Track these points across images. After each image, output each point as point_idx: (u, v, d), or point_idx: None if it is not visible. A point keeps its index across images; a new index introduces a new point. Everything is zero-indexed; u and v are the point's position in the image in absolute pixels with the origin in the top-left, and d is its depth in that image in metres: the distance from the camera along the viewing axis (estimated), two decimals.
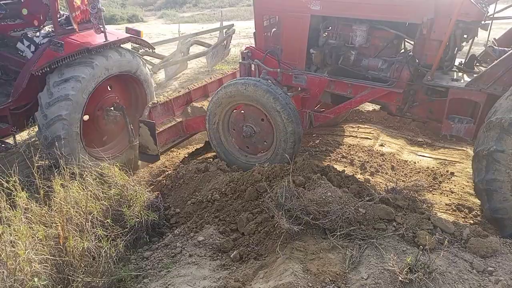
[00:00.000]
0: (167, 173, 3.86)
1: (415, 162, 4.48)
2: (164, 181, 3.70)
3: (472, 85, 2.97)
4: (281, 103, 3.43)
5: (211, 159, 4.17)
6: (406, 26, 3.35)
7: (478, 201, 3.72)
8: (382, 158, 4.52)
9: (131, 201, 2.96)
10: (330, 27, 3.75)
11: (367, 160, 4.44)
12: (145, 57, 5.47)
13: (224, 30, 7.43)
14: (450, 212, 3.64)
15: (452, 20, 2.89)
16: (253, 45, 4.22)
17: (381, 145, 4.84)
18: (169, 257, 2.69)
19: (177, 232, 2.95)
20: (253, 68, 4.07)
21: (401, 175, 4.27)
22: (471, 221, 3.50)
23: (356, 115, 5.53)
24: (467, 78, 3.23)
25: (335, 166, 4.09)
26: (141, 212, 2.90)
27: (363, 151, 4.64)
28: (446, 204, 3.72)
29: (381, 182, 4.04)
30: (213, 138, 4.01)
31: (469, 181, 4.09)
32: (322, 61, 3.74)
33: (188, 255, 2.65)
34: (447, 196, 3.85)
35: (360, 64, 3.64)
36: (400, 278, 2.07)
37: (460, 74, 3.41)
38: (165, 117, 4.50)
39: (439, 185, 4.04)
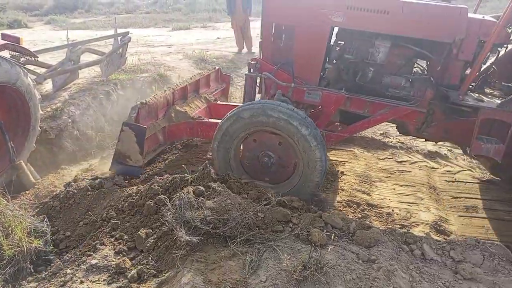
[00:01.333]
0: (55, 193, 3.51)
1: None
2: (52, 202, 3.36)
3: (505, 106, 2.97)
4: (308, 127, 3.08)
5: (107, 175, 3.92)
6: (431, 45, 3.21)
7: (365, 197, 4.12)
8: None
9: (9, 228, 2.63)
10: (345, 41, 3.49)
11: None
12: (28, 66, 4.94)
13: (119, 38, 7.08)
14: (341, 209, 3.94)
15: (490, 42, 2.85)
16: (254, 56, 4.05)
17: None
18: (57, 286, 2.44)
19: (67, 258, 2.70)
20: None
21: None
22: (359, 215, 3.84)
23: None
24: (487, 99, 3.24)
25: None
26: (22, 239, 2.59)
27: None
28: (338, 202, 4.03)
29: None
30: (217, 157, 3.51)
31: (357, 178, 4.49)
32: (337, 76, 3.54)
33: (79, 281, 2.44)
34: (338, 193, 4.17)
35: (381, 81, 3.44)
36: (295, 277, 2.17)
37: (476, 94, 3.36)
38: (149, 120, 3.89)
39: (331, 184, 4.35)
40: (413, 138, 5.55)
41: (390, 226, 3.62)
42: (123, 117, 6.43)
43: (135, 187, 3.42)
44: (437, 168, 4.89)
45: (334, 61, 3.52)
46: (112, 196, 3.33)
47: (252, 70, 3.52)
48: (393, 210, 3.93)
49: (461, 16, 2.95)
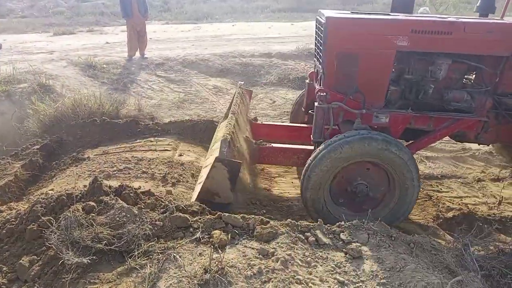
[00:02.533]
0: None
1: None
2: None
3: None
4: (406, 153, 3.11)
5: None
6: (489, 59, 3.41)
7: (265, 193, 4.27)
8: (182, 168, 4.64)
9: None
10: (403, 62, 3.55)
11: (168, 171, 4.48)
12: None
13: None
14: (245, 206, 4.02)
15: None
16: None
17: (180, 155, 4.98)
18: None
19: None
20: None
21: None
22: (264, 210, 3.96)
23: (152, 128, 5.53)
24: None
25: (136, 183, 3.98)
26: None
27: (163, 164, 4.65)
28: (242, 201, 4.10)
29: (183, 191, 4.14)
30: (315, 210, 3.34)
31: (258, 176, 4.64)
32: (399, 97, 3.60)
33: None
34: (241, 193, 4.24)
35: (443, 96, 3.55)
36: (195, 281, 2.15)
37: None
38: (231, 153, 3.42)
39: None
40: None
41: (290, 218, 3.81)
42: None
43: (14, 211, 3.04)
44: None
45: (393, 83, 3.60)
46: None
47: (323, 101, 3.37)
48: (292, 203, 4.13)
49: None
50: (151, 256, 2.45)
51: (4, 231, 2.80)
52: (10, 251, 2.69)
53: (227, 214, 2.81)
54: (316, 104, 3.41)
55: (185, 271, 2.24)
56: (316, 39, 3.93)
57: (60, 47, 10.88)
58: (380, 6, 19.50)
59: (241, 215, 2.90)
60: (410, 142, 3.83)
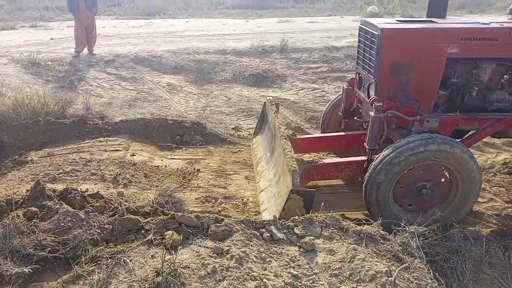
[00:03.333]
0: None
1: (166, 166, 4.67)
2: None
3: None
4: (469, 153, 3.29)
5: None
6: None
7: (221, 190, 4.24)
8: (135, 168, 4.50)
9: None
10: (450, 67, 3.64)
11: (119, 172, 4.33)
12: None
13: None
14: (200, 205, 3.98)
15: None
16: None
17: (133, 155, 4.83)
18: None
19: None
20: None
21: (155, 180, 4.37)
22: (219, 209, 3.93)
23: (102, 127, 5.31)
24: None
25: (84, 186, 3.81)
26: None
27: (114, 164, 4.49)
28: (196, 199, 4.05)
29: (136, 192, 4.02)
30: (380, 208, 3.38)
31: (213, 174, 4.59)
32: (447, 100, 3.77)
33: None
34: (196, 191, 4.19)
35: (487, 98, 3.73)
36: (147, 285, 2.09)
37: None
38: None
39: (189, 183, 4.35)
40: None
41: (246, 215, 3.81)
42: None
43: None
44: None
45: (441, 87, 3.71)
46: None
47: (380, 111, 3.44)
48: (248, 199, 4.13)
49: None
50: (99, 262, 2.35)
51: None
52: None
53: (180, 214, 2.76)
54: (372, 113, 3.49)
55: (136, 275, 2.17)
56: (361, 48, 4.02)
57: (0, 43, 10.18)
58: (331, 4, 19.98)
59: (195, 214, 2.86)
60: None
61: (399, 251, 2.66)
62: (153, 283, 2.10)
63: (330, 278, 2.39)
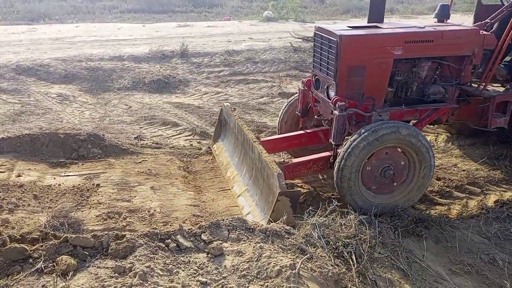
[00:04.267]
0: None
1: (60, 184, 4.27)
2: None
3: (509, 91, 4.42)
4: (426, 140, 3.76)
5: None
6: (457, 58, 4.24)
7: (125, 204, 4.01)
8: (22, 190, 4.03)
9: None
10: (395, 67, 4.13)
11: (2, 196, 3.83)
12: None
13: None
14: (102, 222, 3.70)
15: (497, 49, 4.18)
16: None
17: (18, 175, 4.31)
18: None
19: None
20: None
21: (47, 202, 3.96)
22: (123, 224, 3.70)
23: None
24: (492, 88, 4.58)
25: None
26: None
27: None
28: (96, 216, 3.76)
29: (25, 217, 3.59)
30: (349, 193, 3.75)
31: (115, 187, 4.32)
32: (393, 96, 4.29)
33: None
34: (96, 208, 3.89)
35: (425, 92, 4.31)
36: None
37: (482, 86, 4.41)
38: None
39: (87, 200, 4.03)
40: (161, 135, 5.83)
41: (154, 226, 3.66)
42: None
43: None
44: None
45: (388, 85, 4.19)
46: None
47: (343, 110, 3.79)
48: (155, 210, 3.98)
49: (476, 35, 4.14)
50: None
51: None
52: None
53: (74, 236, 2.52)
54: (336, 112, 3.83)
55: None
56: (317, 52, 4.34)
57: None
58: (229, 9, 20.33)
59: (93, 233, 2.65)
60: None
61: (303, 243, 2.79)
62: None
63: (238, 279, 2.40)
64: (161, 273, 2.38)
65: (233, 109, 5.09)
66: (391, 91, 4.27)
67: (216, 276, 2.43)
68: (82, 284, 2.17)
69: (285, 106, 5.21)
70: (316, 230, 2.99)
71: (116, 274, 2.30)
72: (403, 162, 3.89)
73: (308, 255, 2.60)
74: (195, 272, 2.46)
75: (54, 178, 4.41)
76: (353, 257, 2.95)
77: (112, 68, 8.86)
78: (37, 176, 4.36)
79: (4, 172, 4.33)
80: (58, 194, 4.10)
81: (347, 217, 3.37)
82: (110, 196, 4.16)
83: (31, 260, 2.38)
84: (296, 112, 4.96)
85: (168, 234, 2.73)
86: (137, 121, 6.66)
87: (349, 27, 4.28)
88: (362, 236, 3.16)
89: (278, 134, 5.15)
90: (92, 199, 4.07)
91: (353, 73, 3.97)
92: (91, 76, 8.45)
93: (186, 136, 6.12)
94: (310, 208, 3.50)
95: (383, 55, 3.97)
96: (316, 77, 4.51)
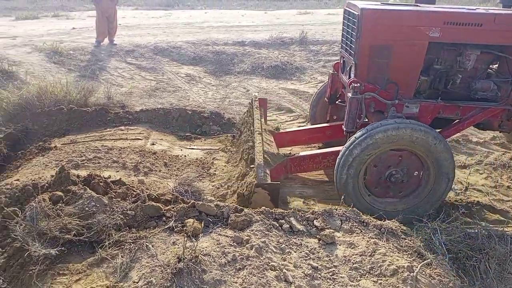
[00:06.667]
0: None
1: (185, 156, 4.71)
2: None
3: None
4: (442, 141, 3.18)
5: None
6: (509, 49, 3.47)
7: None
8: (155, 157, 4.55)
9: None
10: (433, 53, 3.57)
11: (139, 161, 4.38)
12: None
13: None
14: (218, 195, 4.00)
15: None
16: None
17: (153, 144, 4.88)
18: None
19: None
20: None
21: (174, 170, 4.41)
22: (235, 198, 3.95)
23: (123, 116, 5.38)
24: None
25: (107, 173, 3.87)
26: None
27: (135, 153, 4.55)
28: (213, 187, 4.07)
29: (156, 181, 4.06)
30: (350, 195, 3.33)
31: (226, 165, 4.61)
32: (428, 87, 3.67)
33: None
34: (213, 182, 4.21)
35: (471, 86, 3.62)
36: (169, 270, 2.11)
37: None
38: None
39: (207, 172, 4.38)
40: None
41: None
42: None
43: None
44: None
45: (423, 73, 3.63)
46: None
47: (357, 92, 3.40)
48: None
49: None
50: (122, 246, 2.39)
51: None
52: None
53: (200, 203, 2.78)
54: (349, 95, 3.43)
55: (158, 260, 2.20)
56: (344, 30, 3.92)
57: (24, 32, 10.37)
58: None
59: (215, 203, 2.88)
60: (438, 130, 3.88)
61: (421, 247, 2.63)
62: (175, 268, 2.13)
63: (350, 271, 2.38)
64: (274, 250, 2.48)
65: (256, 99, 4.76)
66: (425, 79, 3.63)
67: (327, 263, 2.44)
68: (206, 247, 2.38)
69: (316, 92, 4.76)
70: (436, 236, 2.78)
71: (234, 243, 2.47)
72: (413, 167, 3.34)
73: (428, 260, 2.44)
74: (306, 255, 2.50)
75: (181, 150, 4.88)
76: (477, 272, 2.68)
77: (234, 52, 9.33)
78: (167, 146, 4.88)
79: (141, 139, 4.93)
80: (183, 164, 4.53)
81: (473, 226, 3.06)
82: (222, 169, 4.45)
83: (164, 218, 2.69)
84: (325, 98, 4.51)
85: (282, 215, 2.82)
86: None
87: (382, 3, 3.71)
88: (489, 251, 2.84)
89: (311, 124, 4.72)
90: (211, 172, 4.41)
91: (376, 54, 3.45)
92: (215, 59, 9.04)
93: (299, 122, 6.19)
94: (431, 211, 3.26)
95: (415, 36, 3.38)
96: (344, 59, 4.05)
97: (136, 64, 8.51)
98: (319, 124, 4.64)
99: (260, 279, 2.22)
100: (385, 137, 3.14)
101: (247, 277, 2.23)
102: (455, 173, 3.34)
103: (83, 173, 3.44)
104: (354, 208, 2.98)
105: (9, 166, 4.35)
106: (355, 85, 3.39)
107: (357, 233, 2.71)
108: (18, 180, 3.69)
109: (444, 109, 3.62)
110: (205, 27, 12.05)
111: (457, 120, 3.73)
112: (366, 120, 3.64)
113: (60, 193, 2.67)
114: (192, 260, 2.17)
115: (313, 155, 3.90)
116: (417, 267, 2.36)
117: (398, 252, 2.54)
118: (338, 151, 3.55)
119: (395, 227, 2.82)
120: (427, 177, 3.38)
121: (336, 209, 2.93)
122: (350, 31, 3.70)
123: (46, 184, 2.87)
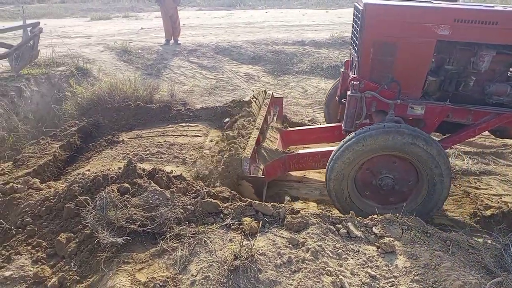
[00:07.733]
0: None
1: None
2: None
3: None
4: (435, 147, 2.99)
5: (21, 178, 3.57)
6: None
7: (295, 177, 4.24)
8: None
9: None
10: (444, 53, 3.41)
11: (198, 157, 4.52)
12: None
13: (29, 29, 6.46)
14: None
15: None
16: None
17: (211, 141, 5.00)
18: None
19: None
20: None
21: None
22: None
23: (184, 113, 5.59)
24: None
25: (168, 167, 4.04)
26: None
27: (194, 149, 4.70)
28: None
29: None
30: (338, 200, 3.32)
31: None
32: (438, 88, 3.47)
33: None
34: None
35: (485, 89, 3.39)
36: (226, 267, 2.16)
37: None
38: (253, 166, 3.49)
39: None
40: None
41: (322, 208, 3.77)
42: (39, 115, 5.93)
43: (52, 189, 3.16)
44: None
45: (432, 73, 3.45)
46: (27, 201, 3.04)
47: (356, 90, 3.30)
48: None
49: None
50: (182, 240, 2.48)
51: (43, 208, 2.92)
52: (49, 227, 2.80)
53: (257, 202, 2.80)
54: (348, 92, 3.32)
55: (216, 256, 2.25)
56: (353, 27, 3.84)
57: (97, 32, 11.14)
58: None
59: (271, 203, 2.89)
60: (447, 135, 3.69)
61: (491, 263, 2.44)
62: (232, 265, 2.17)
63: (411, 283, 2.27)
64: (330, 255, 2.44)
65: (269, 97, 4.72)
66: (433, 80, 3.36)
67: (386, 273, 2.35)
68: (262, 247, 2.40)
69: (329, 90, 4.58)
70: (508, 252, 2.56)
71: (290, 245, 2.46)
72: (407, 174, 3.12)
73: (500, 278, 2.26)
74: (363, 263, 2.43)
75: None
76: None
77: (293, 52, 9.30)
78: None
79: (201, 136, 5.08)
80: None
81: None
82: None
83: (221, 215, 2.75)
84: (336, 97, 4.30)
85: (340, 219, 2.76)
86: (311, 104, 6.87)
87: None
88: None
89: (327, 123, 4.51)
90: None
91: (380, 51, 3.26)
92: (274, 59, 9.07)
93: None
94: (502, 225, 3.02)
95: (421, 34, 3.15)
96: (352, 56, 3.83)
97: (198, 63, 8.79)
98: (325, 124, 4.57)
99: (315, 284, 2.20)
100: (373, 142, 3.00)
101: (302, 280, 2.21)
102: (450, 180, 3.13)
103: (147, 166, 3.62)
104: (417, 217, 2.83)
105: (81, 157, 4.71)
106: (355, 82, 3.29)
107: (419, 244, 2.58)
108: (89, 170, 3.98)
109: (454, 112, 3.38)
110: (266, 26, 12.13)
111: (469, 125, 3.46)
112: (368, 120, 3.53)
113: (127, 185, 2.84)
114: (248, 259, 2.20)
115: (312, 153, 3.85)
116: (485, 285, 2.19)
117: (464, 267, 2.38)
118: None
119: (462, 240, 2.64)
120: (421, 184, 3.21)
121: (397, 217, 2.81)
122: (356, 27, 3.58)
123: (115, 176, 3.05)
